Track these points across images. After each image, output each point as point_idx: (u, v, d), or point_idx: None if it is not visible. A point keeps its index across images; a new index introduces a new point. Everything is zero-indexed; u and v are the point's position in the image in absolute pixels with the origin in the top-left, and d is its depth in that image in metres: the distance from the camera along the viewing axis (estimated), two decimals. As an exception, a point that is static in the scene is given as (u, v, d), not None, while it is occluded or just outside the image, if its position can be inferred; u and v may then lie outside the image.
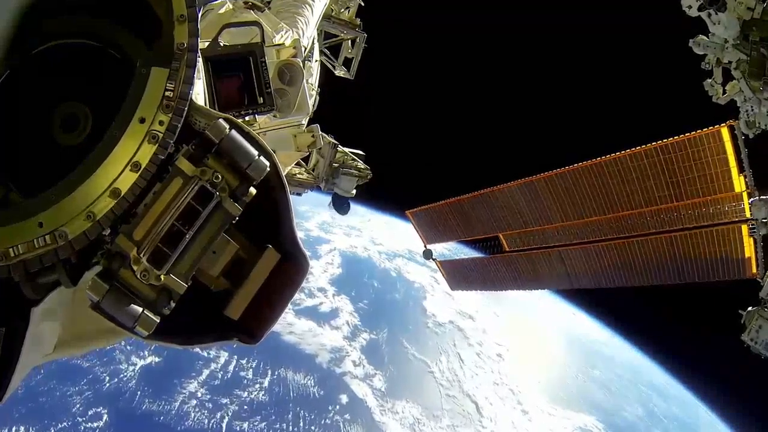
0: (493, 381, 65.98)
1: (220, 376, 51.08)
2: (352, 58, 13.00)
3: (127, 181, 1.63)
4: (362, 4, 12.35)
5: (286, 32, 4.78)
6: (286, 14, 5.40)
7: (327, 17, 11.72)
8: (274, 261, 1.93)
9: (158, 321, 1.71)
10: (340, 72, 13.19)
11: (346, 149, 12.34)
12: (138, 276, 1.67)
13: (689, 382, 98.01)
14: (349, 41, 12.75)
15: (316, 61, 6.16)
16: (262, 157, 1.82)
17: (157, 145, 1.67)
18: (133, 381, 47.04)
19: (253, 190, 1.83)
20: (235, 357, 52.15)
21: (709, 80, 10.57)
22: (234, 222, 1.82)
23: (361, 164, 12.54)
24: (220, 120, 1.80)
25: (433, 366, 64.24)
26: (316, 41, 6.32)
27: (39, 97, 2.01)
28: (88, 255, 1.75)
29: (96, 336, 2.25)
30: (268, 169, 1.85)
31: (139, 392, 46.62)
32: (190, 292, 1.76)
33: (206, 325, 1.96)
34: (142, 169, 1.65)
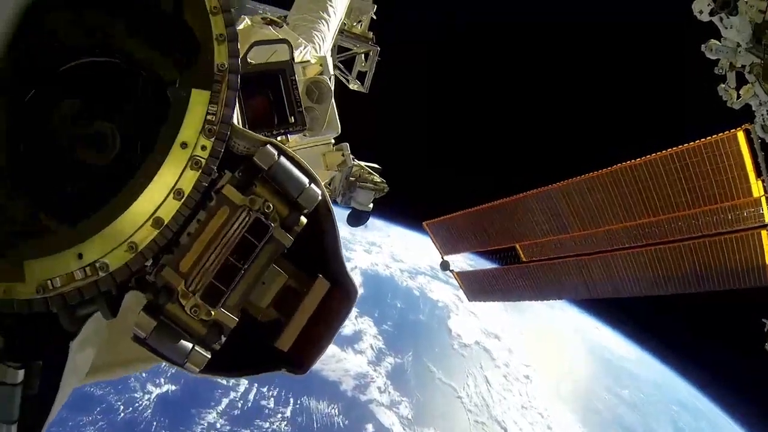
0: (522, 404, 64.86)
1: (240, 405, 50.29)
2: (366, 71, 13.38)
3: (170, 210, 1.61)
4: (374, 17, 12.80)
5: (305, 48, 4.93)
6: (302, 29, 5.58)
7: (340, 31, 12.14)
8: (324, 290, 1.90)
9: (209, 357, 1.69)
10: (353, 85, 13.55)
11: (362, 163, 12.70)
12: (188, 311, 1.66)
13: (715, 395, 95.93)
14: (363, 55, 13.16)
15: (330, 76, 6.44)
16: (313, 185, 1.79)
17: (200, 171, 1.64)
18: (149, 411, 46.35)
19: (303, 220, 1.80)
20: (256, 385, 51.55)
21: (723, 85, 10.60)
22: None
23: (377, 177, 12.86)
24: (269, 146, 1.76)
25: (460, 390, 63.30)
26: (329, 56, 6.60)
27: (64, 115, 1.99)
28: (126, 284, 1.70)
29: (131, 363, 2.29)
30: (320, 197, 1.83)
31: (155, 423, 45.89)
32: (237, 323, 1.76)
33: (253, 356, 1.95)
34: (185, 196, 1.62)
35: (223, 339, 1.72)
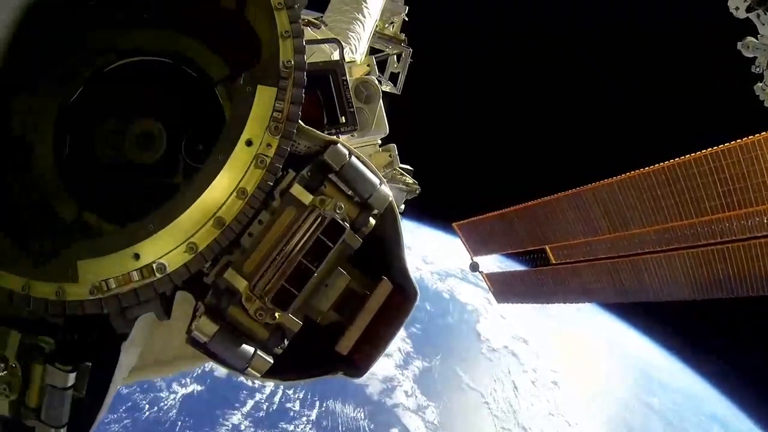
0: (549, 412, 63.92)
1: (265, 407, 49.75)
2: (398, 72, 13.48)
3: (233, 210, 1.56)
4: (406, 18, 12.91)
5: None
6: (338, 30, 5.56)
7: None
8: (387, 292, 1.85)
9: (271, 362, 1.66)
10: (386, 87, 13.60)
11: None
12: (253, 315, 1.62)
13: (748, 407, 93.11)
14: (395, 56, 13.28)
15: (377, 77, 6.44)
16: (383, 186, 1.77)
17: (265, 170, 1.58)
18: (174, 410, 46.00)
19: (372, 221, 1.76)
20: (281, 387, 50.26)
21: (760, 84, 10.43)
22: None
23: (409, 179, 12.92)
24: (340, 146, 1.74)
25: (487, 396, 62.61)
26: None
27: (112, 114, 2.07)
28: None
29: (175, 362, 2.26)
30: (390, 198, 1.81)
31: (179, 422, 45.52)
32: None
33: (311, 360, 1.90)
34: (249, 196, 1.57)
35: (286, 343, 1.71)
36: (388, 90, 13.77)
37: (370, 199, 1.73)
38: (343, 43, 5.21)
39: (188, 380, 47.69)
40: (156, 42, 2.09)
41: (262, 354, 1.64)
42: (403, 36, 12.93)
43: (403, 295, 1.89)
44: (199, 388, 48.27)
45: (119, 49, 2.08)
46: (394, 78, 13.62)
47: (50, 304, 1.49)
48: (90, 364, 1.75)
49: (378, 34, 12.64)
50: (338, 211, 1.67)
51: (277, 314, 1.64)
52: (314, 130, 1.77)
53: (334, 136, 2.59)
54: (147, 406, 45.27)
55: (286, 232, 1.64)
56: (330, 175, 1.70)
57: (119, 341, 1.79)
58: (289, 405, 51.02)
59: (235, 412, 48.27)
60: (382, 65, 13.61)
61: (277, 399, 50.78)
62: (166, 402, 46.29)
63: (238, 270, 1.61)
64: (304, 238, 1.64)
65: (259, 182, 1.58)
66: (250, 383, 49.52)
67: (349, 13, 6.04)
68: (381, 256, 1.90)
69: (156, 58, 2.10)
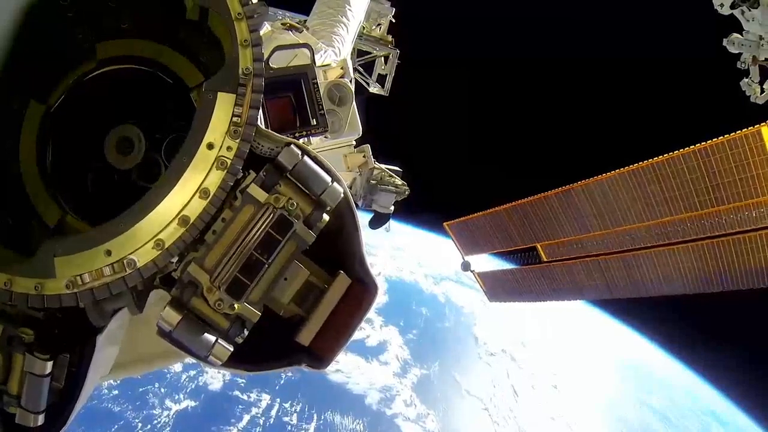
0: (550, 416, 63.65)
1: (261, 422, 48.72)
2: (386, 74, 13.64)
3: (196, 209, 1.67)
4: (393, 20, 13.10)
5: (325, 52, 5.09)
6: (322, 34, 5.74)
7: (359, 35, 12.48)
8: (345, 286, 1.95)
9: (232, 350, 1.76)
10: (374, 88, 13.80)
11: (383, 165, 12.97)
12: (212, 305, 1.72)
13: (746, 405, 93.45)
14: (382, 58, 13.45)
15: (351, 79, 6.61)
16: (335, 183, 1.86)
17: (226, 171, 1.70)
18: (168, 428, 44.99)
19: (326, 217, 1.85)
20: (278, 400, 50.48)
21: (746, 79, 10.66)
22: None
23: (398, 180, 13.09)
24: (293, 146, 1.83)
25: (487, 402, 62.27)
26: (349, 59, 6.81)
27: (93, 121, 2.15)
28: (152, 281, 1.79)
29: (154, 358, 2.36)
30: (342, 195, 1.89)
31: None
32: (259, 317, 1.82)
33: (274, 351, 2.00)
34: (211, 196, 1.68)
35: (246, 333, 1.80)
36: (375, 92, 13.93)
37: (322, 196, 1.83)
38: (325, 46, 5.40)
39: (181, 396, 47.12)
40: (134, 51, 2.22)
41: (223, 342, 1.75)
42: (390, 38, 13.13)
43: (363, 289, 2.00)
44: (192, 403, 47.47)
45: (100, 58, 2.20)
46: (381, 79, 13.80)
47: (30, 298, 1.60)
48: (68, 355, 1.85)
49: (365, 36, 12.82)
50: (290, 207, 1.77)
51: (235, 305, 1.74)
52: (273, 132, 1.90)
53: (301, 138, 2.80)
54: (140, 424, 44.46)
55: (243, 229, 1.75)
56: (286, 174, 1.81)
57: (96, 334, 1.91)
58: (286, 419, 50.30)
59: (231, 428, 47.45)
60: (369, 67, 13.79)
61: (273, 413, 50.13)
62: (159, 419, 45.41)
63: (200, 264, 1.73)
64: (257, 233, 1.75)
65: (220, 183, 1.70)
66: (245, 397, 49.06)
67: (332, 17, 6.19)
68: (340, 251, 2.02)
69: (134, 66, 2.23)
